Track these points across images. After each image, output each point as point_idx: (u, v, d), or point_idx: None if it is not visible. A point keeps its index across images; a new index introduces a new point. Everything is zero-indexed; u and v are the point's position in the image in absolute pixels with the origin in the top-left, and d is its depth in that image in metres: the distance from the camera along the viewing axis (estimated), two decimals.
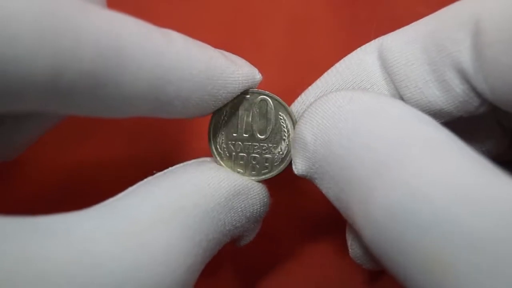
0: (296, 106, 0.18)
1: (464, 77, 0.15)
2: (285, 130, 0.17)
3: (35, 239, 0.12)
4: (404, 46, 0.16)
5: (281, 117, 0.17)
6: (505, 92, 0.14)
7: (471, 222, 0.11)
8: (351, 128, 0.14)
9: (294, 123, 0.17)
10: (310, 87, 0.18)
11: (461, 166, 0.12)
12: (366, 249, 0.16)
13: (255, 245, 0.19)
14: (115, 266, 0.12)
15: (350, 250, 0.18)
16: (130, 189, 0.15)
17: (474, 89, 0.15)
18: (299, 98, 0.18)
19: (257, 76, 0.17)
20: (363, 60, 0.17)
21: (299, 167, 0.16)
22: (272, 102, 0.17)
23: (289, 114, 0.17)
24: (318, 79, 0.18)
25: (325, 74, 0.18)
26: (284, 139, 0.17)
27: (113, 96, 0.14)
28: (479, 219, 0.11)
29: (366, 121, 0.14)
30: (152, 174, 0.16)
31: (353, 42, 0.27)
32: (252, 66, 0.17)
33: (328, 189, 0.15)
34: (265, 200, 0.17)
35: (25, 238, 0.12)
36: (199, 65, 0.15)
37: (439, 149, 0.13)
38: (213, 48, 0.16)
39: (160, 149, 0.24)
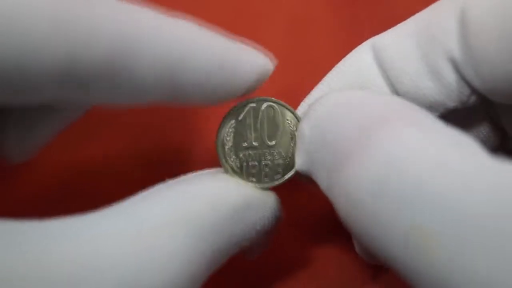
0: (300, 110, 0.18)
1: (455, 67, 0.15)
2: (294, 134, 0.17)
3: (44, 243, 0.12)
4: (397, 42, 0.16)
5: (288, 121, 0.17)
6: (493, 80, 0.14)
7: (457, 196, 0.11)
8: (342, 114, 0.15)
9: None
10: (313, 91, 0.18)
11: (448, 143, 0.12)
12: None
13: (264, 255, 0.19)
14: (120, 271, 0.12)
15: (356, 247, 0.18)
16: (139, 195, 0.15)
17: (464, 78, 0.15)
18: (303, 103, 0.18)
19: (269, 66, 0.17)
20: (363, 60, 0.17)
21: (298, 161, 0.16)
22: (279, 108, 0.17)
23: (296, 118, 0.17)
24: (321, 82, 0.18)
25: (327, 77, 0.18)
26: (295, 143, 0.17)
27: (129, 82, 0.14)
28: (465, 193, 0.11)
29: (358, 107, 0.14)
30: (163, 180, 0.16)
31: (353, 42, 0.27)
32: (263, 55, 0.17)
33: (322, 179, 0.15)
34: (277, 213, 0.17)
35: (34, 242, 0.12)
36: (213, 51, 0.15)
37: (426, 127, 0.13)
38: (226, 35, 0.16)
39: (164, 149, 0.24)
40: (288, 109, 0.17)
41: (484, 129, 0.18)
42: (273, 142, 0.17)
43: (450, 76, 0.15)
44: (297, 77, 0.25)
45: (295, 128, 0.17)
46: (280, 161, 0.17)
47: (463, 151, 0.12)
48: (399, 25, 0.17)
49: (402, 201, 0.12)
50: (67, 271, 0.12)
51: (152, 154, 0.24)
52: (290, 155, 0.17)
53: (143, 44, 0.14)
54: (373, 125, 0.13)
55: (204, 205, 0.15)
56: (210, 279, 0.21)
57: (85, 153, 0.23)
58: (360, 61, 0.17)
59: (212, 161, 0.19)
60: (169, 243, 0.14)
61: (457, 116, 0.17)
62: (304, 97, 0.19)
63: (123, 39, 0.13)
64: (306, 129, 0.16)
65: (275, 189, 0.18)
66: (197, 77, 0.15)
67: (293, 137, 0.17)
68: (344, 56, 0.18)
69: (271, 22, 0.27)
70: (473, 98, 0.16)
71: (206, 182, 0.16)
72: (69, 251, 0.12)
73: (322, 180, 0.15)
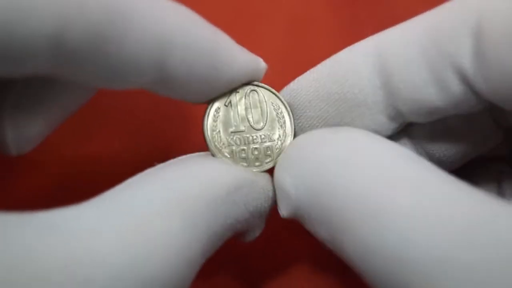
0: (284, 93, 0.18)
1: (463, 78, 0.15)
2: (280, 116, 0.18)
3: (35, 236, 0.12)
4: (401, 47, 0.16)
5: (274, 105, 0.17)
6: (508, 92, 0.14)
7: (470, 263, 0.11)
8: (331, 175, 0.14)
9: (286, 108, 0.17)
10: (301, 78, 0.18)
11: (454, 206, 0.13)
12: None
13: (254, 246, 0.19)
14: (115, 260, 0.12)
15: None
16: (129, 180, 0.15)
17: (472, 89, 0.15)
18: (286, 87, 0.18)
19: (262, 63, 0.17)
20: (354, 63, 0.17)
21: (284, 213, 0.16)
22: (262, 91, 0.17)
23: (281, 100, 0.18)
24: (310, 72, 0.18)
25: (316, 72, 0.17)
26: (281, 125, 0.17)
27: (117, 56, 0.14)
28: (477, 257, 0.11)
29: (345, 167, 0.14)
30: (153, 165, 0.16)
31: (353, 42, 0.26)
32: (256, 56, 0.17)
33: (317, 233, 0.15)
34: (270, 194, 0.17)
35: (25, 235, 0.12)
36: (205, 35, 0.15)
37: (429, 189, 0.13)
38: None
39: (160, 146, 0.24)
40: (273, 92, 0.17)
41: (486, 126, 0.18)
42: (260, 125, 0.17)
43: (457, 87, 0.15)
44: (296, 77, 0.25)
45: (282, 111, 0.17)
46: (269, 144, 0.17)
47: (470, 207, 0.12)
48: (402, 26, 0.16)
49: (424, 277, 0.12)
50: (59, 263, 0.12)
51: (148, 151, 0.24)
52: (279, 138, 0.17)
53: (133, 18, 0.13)
54: (378, 202, 0.13)
55: (196, 187, 0.15)
56: (209, 279, 0.21)
57: (83, 152, 0.23)
58: (351, 64, 0.17)
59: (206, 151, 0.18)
60: (164, 228, 0.13)
61: (461, 116, 0.17)
62: None
63: (114, 9, 0.13)
64: (287, 185, 0.15)
65: (269, 171, 0.18)
66: (186, 60, 0.15)
67: (280, 120, 0.17)
68: None
69: (271, 22, 0.27)
70: (479, 107, 0.15)
71: (196, 164, 0.16)
72: (60, 242, 0.12)
73: (317, 233, 0.15)
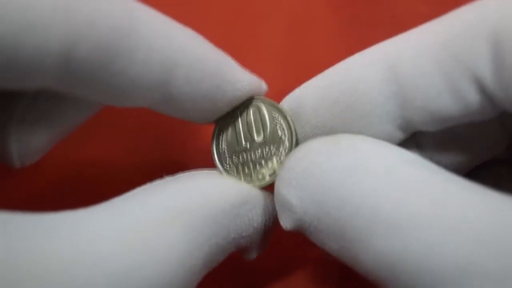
0: (284, 104, 0.18)
1: (480, 87, 0.14)
2: (282, 129, 0.17)
3: (39, 237, 0.12)
4: (414, 57, 0.15)
5: (275, 117, 0.17)
6: None
7: (491, 269, 0.11)
8: (339, 188, 0.14)
9: (287, 119, 0.17)
10: (306, 85, 0.17)
11: (469, 210, 0.12)
12: None
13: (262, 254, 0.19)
14: (117, 265, 0.12)
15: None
16: (138, 189, 0.15)
17: (489, 98, 0.14)
18: (293, 94, 0.18)
19: (263, 84, 0.17)
20: (364, 72, 0.16)
21: (287, 226, 0.16)
22: (264, 106, 0.17)
23: (282, 112, 0.17)
24: (317, 78, 0.17)
25: (323, 79, 0.17)
26: (283, 139, 0.17)
27: (124, 74, 0.14)
28: (498, 263, 0.11)
29: (352, 179, 0.14)
30: (162, 177, 0.16)
31: (353, 42, 0.27)
32: (257, 77, 0.17)
33: (324, 244, 0.15)
34: (275, 212, 0.17)
35: (30, 235, 0.12)
36: (209, 55, 0.15)
37: (440, 194, 0.13)
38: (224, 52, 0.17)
39: (163, 149, 0.24)
40: (273, 105, 0.17)
41: (495, 133, 0.18)
42: (263, 140, 0.17)
43: (474, 97, 0.14)
44: (296, 77, 0.25)
45: (283, 124, 0.17)
46: (272, 158, 0.17)
47: (482, 209, 0.12)
48: (413, 34, 0.16)
49: (449, 281, 0.12)
50: (62, 264, 0.12)
51: (150, 155, 0.24)
52: (281, 152, 0.17)
53: (140, 38, 0.14)
54: (391, 212, 0.13)
55: (201, 199, 0.15)
56: (209, 279, 0.21)
57: (83, 154, 0.23)
58: (361, 74, 0.16)
59: (210, 161, 0.19)
60: (167, 236, 0.14)
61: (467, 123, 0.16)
62: None
63: (121, 29, 0.13)
64: (291, 198, 0.15)
65: (271, 187, 0.18)
66: (191, 80, 0.15)
67: (283, 133, 0.17)
68: (343, 56, 0.18)
69: (271, 22, 0.27)
70: (492, 114, 0.15)
71: (203, 179, 0.16)
72: (65, 244, 0.12)
73: (323, 244, 0.15)
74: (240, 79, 0.16)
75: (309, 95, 0.17)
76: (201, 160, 0.18)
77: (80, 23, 0.13)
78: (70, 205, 0.14)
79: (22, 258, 0.11)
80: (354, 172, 0.14)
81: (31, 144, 0.17)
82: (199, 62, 0.15)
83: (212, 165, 0.18)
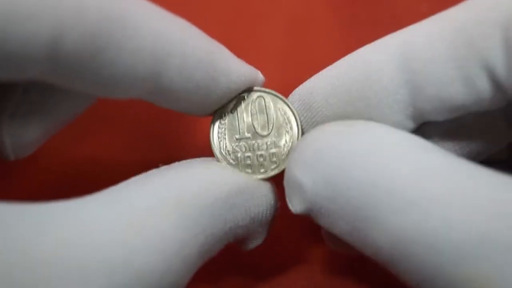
0: (292, 99, 0.18)
1: (492, 75, 0.14)
2: (287, 121, 0.17)
3: (33, 225, 0.12)
4: (427, 44, 0.15)
5: (280, 110, 0.17)
6: None
7: (506, 237, 0.12)
8: (354, 169, 0.14)
9: (293, 113, 0.17)
10: (318, 76, 0.17)
11: (483, 189, 0.13)
12: (341, 241, 0.16)
13: (261, 247, 0.19)
14: (111, 253, 0.12)
15: (324, 235, 0.18)
16: (133, 178, 0.15)
17: (500, 86, 0.15)
18: (294, 92, 0.18)
19: (260, 75, 0.17)
20: (376, 61, 0.16)
21: (297, 209, 0.16)
22: (269, 97, 0.17)
23: (288, 105, 0.17)
24: (328, 69, 0.17)
25: (334, 69, 0.17)
26: (288, 131, 0.17)
27: (114, 64, 0.14)
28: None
29: (368, 160, 0.14)
30: (157, 167, 0.16)
31: (353, 42, 0.27)
32: (254, 68, 0.17)
33: (334, 226, 0.15)
34: (272, 202, 0.17)
35: (26, 224, 0.12)
36: (203, 46, 0.15)
37: (456, 175, 0.13)
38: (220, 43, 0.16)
39: (161, 148, 0.24)
40: (280, 98, 0.17)
41: (499, 126, 0.18)
42: (266, 132, 0.17)
43: (485, 85, 0.15)
44: (296, 77, 0.25)
45: (289, 116, 0.17)
46: (275, 150, 0.17)
47: (496, 188, 0.13)
48: (426, 23, 0.16)
49: (460, 256, 0.12)
50: (55, 253, 0.12)
51: (148, 151, 0.24)
52: (285, 144, 0.17)
53: (130, 28, 0.14)
54: (407, 190, 0.13)
55: (197, 188, 0.15)
56: (208, 279, 0.21)
57: (81, 150, 0.23)
58: (371, 63, 0.16)
59: (209, 156, 0.18)
60: (162, 223, 0.14)
61: (473, 114, 0.16)
62: None
63: (111, 18, 0.13)
64: (302, 178, 0.15)
65: (273, 178, 0.18)
66: (184, 71, 0.15)
67: (286, 126, 0.17)
68: (343, 56, 0.18)
69: (271, 22, 0.27)
70: (501, 104, 0.15)
71: (200, 167, 0.16)
72: (60, 232, 0.12)
73: (333, 226, 0.15)
74: (235, 70, 0.16)
75: (321, 84, 0.17)
76: (200, 156, 0.18)
77: (68, 13, 0.13)
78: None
79: (14, 249, 0.12)
80: (369, 153, 0.14)
81: (24, 137, 0.17)
82: (192, 53, 0.15)
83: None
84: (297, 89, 0.17)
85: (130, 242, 0.13)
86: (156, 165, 0.16)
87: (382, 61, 0.16)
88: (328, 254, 0.21)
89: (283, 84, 0.25)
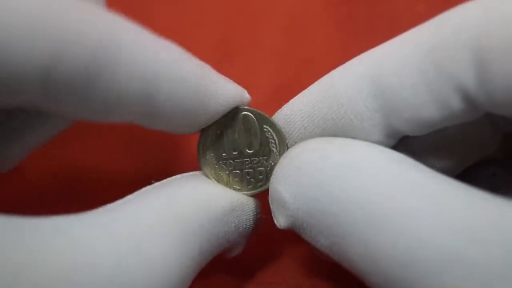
0: (277, 118, 0.18)
1: (465, 95, 0.14)
2: (272, 140, 0.18)
3: (37, 241, 0.12)
4: (398, 68, 0.15)
5: (266, 129, 0.18)
6: (510, 103, 0.14)
7: (476, 259, 0.12)
8: (331, 182, 0.14)
9: (279, 132, 0.17)
10: (293, 102, 0.17)
11: (455, 204, 0.13)
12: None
13: (253, 245, 0.19)
14: (112, 272, 0.12)
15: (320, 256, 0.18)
16: (129, 197, 0.15)
17: (473, 104, 0.15)
18: (279, 111, 0.18)
19: (246, 95, 0.17)
20: (348, 87, 0.16)
21: (281, 224, 0.16)
22: (254, 116, 0.18)
23: (274, 125, 0.17)
24: (303, 95, 0.17)
25: (309, 96, 0.17)
26: (273, 150, 0.18)
27: (105, 92, 0.14)
28: (482, 253, 0.12)
29: (344, 174, 0.14)
30: (150, 183, 0.16)
31: (350, 40, 0.27)
32: (241, 87, 0.18)
33: (316, 241, 0.15)
34: (258, 216, 0.17)
35: (28, 239, 0.12)
36: (192, 70, 0.15)
37: (429, 191, 0.13)
38: (205, 65, 0.16)
39: (157, 153, 0.24)
40: (264, 117, 0.17)
41: (485, 133, 0.18)
42: (252, 150, 0.18)
43: (459, 104, 0.14)
44: (294, 75, 0.25)
45: (274, 135, 0.17)
46: (261, 168, 0.18)
47: (472, 207, 0.13)
48: (396, 44, 0.16)
49: (433, 275, 0.12)
50: (58, 270, 0.12)
51: (146, 159, 0.24)
52: (272, 163, 0.18)
53: (121, 55, 0.14)
54: (383, 207, 0.13)
55: (192, 208, 0.15)
56: (208, 278, 0.21)
57: (79, 158, 0.23)
58: (346, 87, 0.16)
59: (199, 167, 0.19)
60: (162, 244, 0.14)
61: (457, 125, 0.17)
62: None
63: (104, 46, 0.13)
64: (285, 195, 0.15)
65: (260, 195, 0.18)
66: (173, 96, 0.15)
67: (272, 145, 0.17)
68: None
69: (269, 20, 0.27)
70: (480, 114, 0.15)
71: (193, 186, 0.16)
72: (61, 250, 0.12)
73: (316, 241, 0.15)
74: (223, 93, 0.16)
75: (297, 113, 0.17)
76: (191, 167, 0.18)
77: (64, 40, 0.13)
78: (66, 209, 0.14)
79: (17, 266, 0.11)
80: (346, 169, 0.14)
81: (6, 155, 0.17)
82: (181, 78, 0.15)
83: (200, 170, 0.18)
84: (275, 115, 0.18)
85: (131, 263, 0.13)
86: (146, 175, 0.16)
87: (354, 88, 0.16)
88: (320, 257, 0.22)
89: (280, 81, 0.25)
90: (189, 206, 0.15)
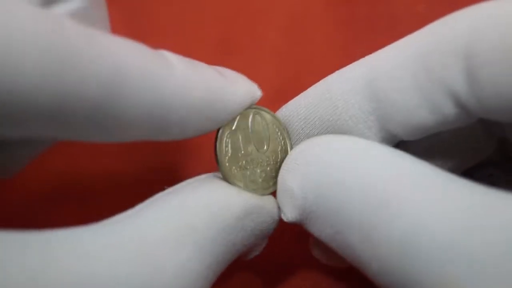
0: (280, 113, 0.18)
1: (456, 100, 0.15)
2: (281, 138, 0.18)
3: (45, 256, 0.12)
4: (392, 73, 0.16)
5: (275, 127, 0.18)
6: (501, 109, 0.14)
7: (472, 247, 0.12)
8: (337, 171, 0.15)
9: (284, 130, 0.18)
10: (292, 103, 0.18)
11: (452, 193, 0.13)
12: (327, 250, 0.16)
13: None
14: (125, 285, 0.12)
15: (312, 249, 0.19)
16: (140, 206, 0.15)
17: (465, 109, 0.15)
18: (281, 112, 0.18)
19: (257, 93, 0.17)
20: (344, 90, 0.17)
21: (289, 216, 0.16)
22: (262, 113, 0.18)
23: (277, 121, 0.18)
24: (301, 97, 0.18)
25: (306, 98, 0.17)
26: (283, 147, 0.18)
27: (113, 124, 0.14)
28: (478, 241, 0.12)
29: (350, 164, 0.15)
30: (163, 189, 0.16)
31: (350, 40, 0.27)
32: (251, 82, 0.17)
33: (321, 232, 0.15)
34: (275, 217, 0.17)
35: (34, 254, 0.12)
36: (198, 92, 0.15)
37: (427, 181, 0.14)
38: (211, 69, 0.16)
39: (161, 156, 0.24)
40: (269, 113, 0.18)
41: (480, 137, 0.18)
42: (265, 148, 0.18)
43: (450, 109, 0.15)
44: (294, 74, 0.25)
45: (283, 133, 0.18)
46: (273, 166, 0.18)
47: (468, 198, 0.13)
48: (391, 50, 0.16)
49: (427, 261, 0.12)
50: (70, 284, 0.12)
51: (149, 161, 0.23)
52: (279, 160, 0.18)
53: (127, 88, 0.14)
54: (383, 194, 0.14)
55: (206, 215, 0.15)
56: None
57: (80, 160, 0.23)
58: (342, 90, 0.17)
59: (209, 166, 0.18)
60: (175, 255, 0.13)
61: (452, 130, 0.17)
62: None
63: (108, 83, 0.13)
64: (293, 185, 0.16)
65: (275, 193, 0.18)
66: (182, 117, 0.15)
67: (280, 142, 0.18)
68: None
69: (269, 20, 0.27)
70: (471, 121, 0.16)
71: (206, 191, 0.16)
72: (70, 265, 0.12)
73: (320, 232, 0.15)
74: (233, 102, 0.16)
75: (296, 114, 0.18)
76: (202, 169, 0.18)
77: (70, 85, 0.13)
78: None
79: (26, 278, 0.11)
80: (353, 159, 0.15)
81: (8, 161, 0.17)
82: (188, 104, 0.15)
83: (211, 170, 0.18)
84: (275, 114, 0.18)
85: (145, 277, 0.13)
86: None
87: (349, 91, 0.16)
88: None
89: (280, 81, 0.25)
90: (202, 215, 0.15)
